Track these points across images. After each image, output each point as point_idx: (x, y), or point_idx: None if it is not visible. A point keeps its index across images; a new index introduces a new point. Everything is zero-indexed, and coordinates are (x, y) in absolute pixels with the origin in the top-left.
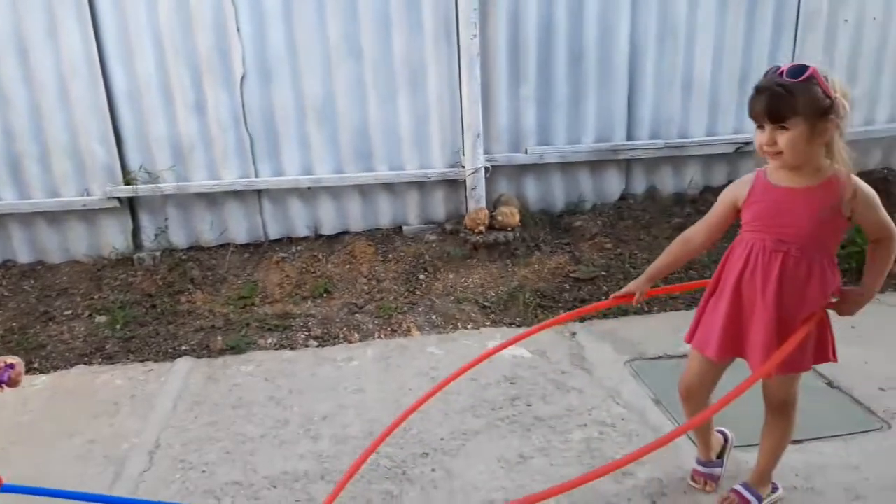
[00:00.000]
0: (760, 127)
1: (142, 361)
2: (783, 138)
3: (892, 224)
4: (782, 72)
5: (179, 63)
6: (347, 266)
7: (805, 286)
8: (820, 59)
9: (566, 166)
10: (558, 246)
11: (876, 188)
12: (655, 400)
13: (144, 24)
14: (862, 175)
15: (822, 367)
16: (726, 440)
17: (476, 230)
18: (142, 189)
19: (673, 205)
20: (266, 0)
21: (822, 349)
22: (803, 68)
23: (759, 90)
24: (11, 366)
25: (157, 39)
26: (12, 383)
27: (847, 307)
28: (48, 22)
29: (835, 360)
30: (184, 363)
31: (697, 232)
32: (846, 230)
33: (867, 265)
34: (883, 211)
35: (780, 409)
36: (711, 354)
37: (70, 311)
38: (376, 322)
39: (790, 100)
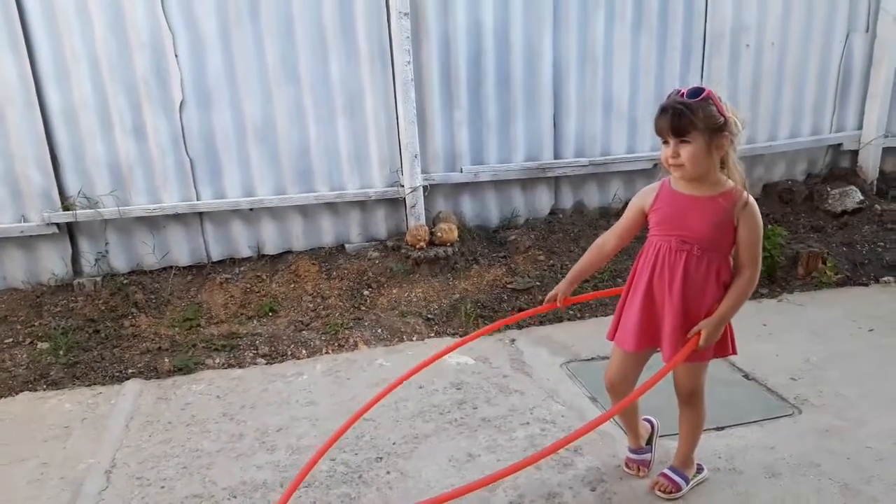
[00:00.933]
0: (665, 142)
1: (88, 386)
2: (685, 151)
3: (759, 262)
4: (683, 93)
5: (117, 87)
6: (292, 285)
7: (705, 281)
8: (725, 80)
9: (499, 184)
10: (495, 259)
11: (780, 198)
12: (591, 398)
13: (80, 49)
14: (767, 186)
15: (739, 361)
16: (653, 427)
17: (417, 246)
18: (81, 214)
19: (599, 218)
20: (203, 25)
21: (722, 343)
22: (700, 90)
23: (663, 109)
24: None
25: (93, 63)
26: None
27: (706, 336)
28: None
29: (734, 353)
30: (133, 385)
31: (610, 237)
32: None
33: (726, 295)
34: (759, 242)
35: (689, 399)
36: (630, 348)
37: (11, 339)
38: (323, 338)
39: (690, 116)
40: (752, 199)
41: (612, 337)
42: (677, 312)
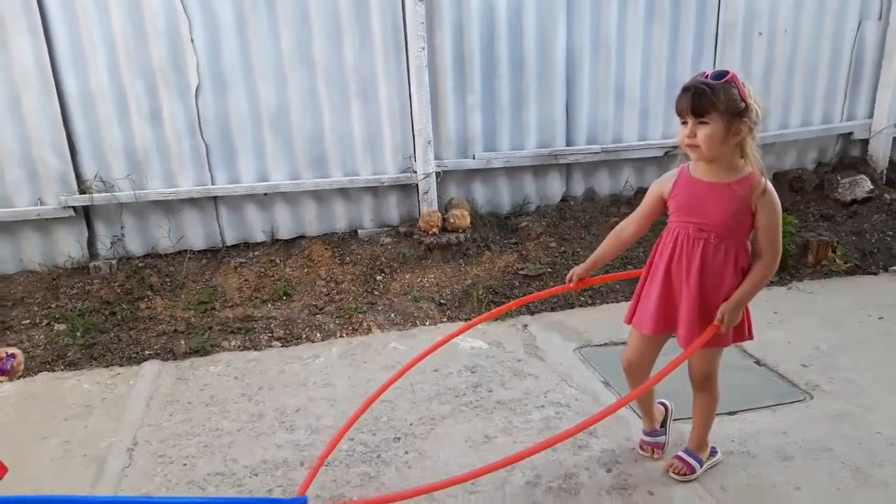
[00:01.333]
0: (684, 122)
1: (107, 367)
2: (702, 132)
3: (779, 248)
4: (707, 75)
5: (133, 72)
6: (305, 269)
7: (723, 269)
8: (738, 68)
9: (511, 171)
10: (507, 245)
11: (790, 186)
12: (605, 382)
13: (97, 34)
14: (778, 174)
15: (751, 348)
16: (667, 410)
17: (429, 232)
18: (97, 198)
19: (610, 205)
20: (219, 11)
21: (740, 329)
22: (724, 73)
23: (685, 89)
24: (13, 355)
25: (110, 49)
26: (13, 373)
27: (726, 320)
28: None
29: (751, 338)
30: (151, 366)
31: (629, 223)
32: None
33: (745, 280)
34: (779, 228)
35: (702, 384)
36: (647, 332)
37: (28, 321)
38: (337, 322)
39: (711, 97)
40: (770, 185)
41: (629, 320)
42: (694, 299)
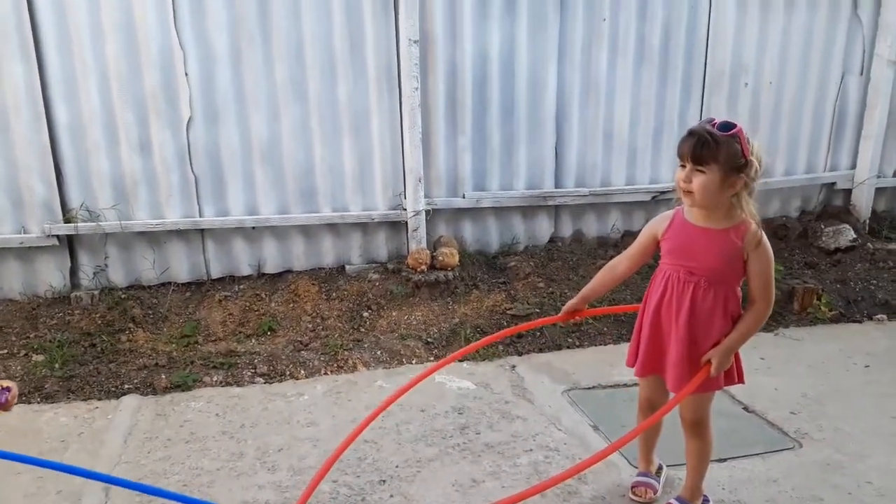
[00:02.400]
0: (683, 165)
1: (85, 400)
2: (697, 180)
3: (772, 296)
4: (714, 123)
5: (125, 102)
6: (291, 304)
7: (712, 313)
8: (723, 117)
9: (500, 210)
10: (495, 285)
11: (775, 234)
12: (593, 426)
13: (91, 63)
14: (763, 222)
15: (739, 394)
16: (661, 467)
17: (418, 269)
18: (82, 227)
19: (598, 247)
20: (214, 44)
21: (730, 372)
22: (731, 125)
23: (690, 133)
24: (8, 389)
25: (103, 78)
26: (7, 406)
27: (716, 365)
28: None
29: (741, 382)
30: (130, 400)
31: (621, 260)
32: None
33: (736, 325)
34: (772, 277)
35: (694, 429)
36: (636, 373)
37: (6, 350)
38: (322, 359)
39: (713, 148)
40: (764, 235)
41: (630, 363)
42: (683, 341)
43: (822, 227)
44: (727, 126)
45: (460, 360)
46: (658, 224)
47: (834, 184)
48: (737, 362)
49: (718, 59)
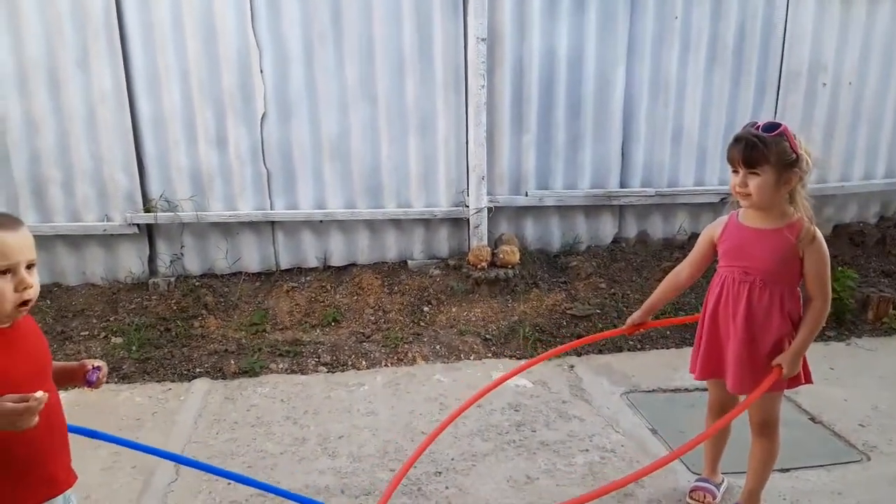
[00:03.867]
0: (735, 171)
1: (159, 381)
2: (753, 182)
3: (828, 292)
4: (759, 126)
5: (204, 99)
6: (355, 297)
7: (769, 313)
8: (800, 118)
9: (563, 209)
10: (555, 284)
11: (851, 240)
12: (652, 430)
13: (173, 62)
14: (838, 227)
15: (806, 404)
16: (723, 481)
17: (478, 266)
18: (161, 217)
19: (663, 249)
20: (288, 44)
21: (797, 374)
22: (776, 125)
23: (737, 139)
24: (98, 368)
25: (184, 76)
26: (97, 384)
27: (787, 368)
28: (80, 55)
29: (809, 381)
30: (201, 384)
31: (683, 267)
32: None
33: (800, 329)
34: (827, 274)
35: (762, 430)
36: (696, 376)
37: (86, 332)
38: (383, 351)
39: (763, 150)
40: (818, 231)
41: (692, 369)
42: (742, 342)
43: None
44: (772, 127)
45: (517, 359)
46: (714, 228)
47: None
48: (804, 362)
49: (795, 58)
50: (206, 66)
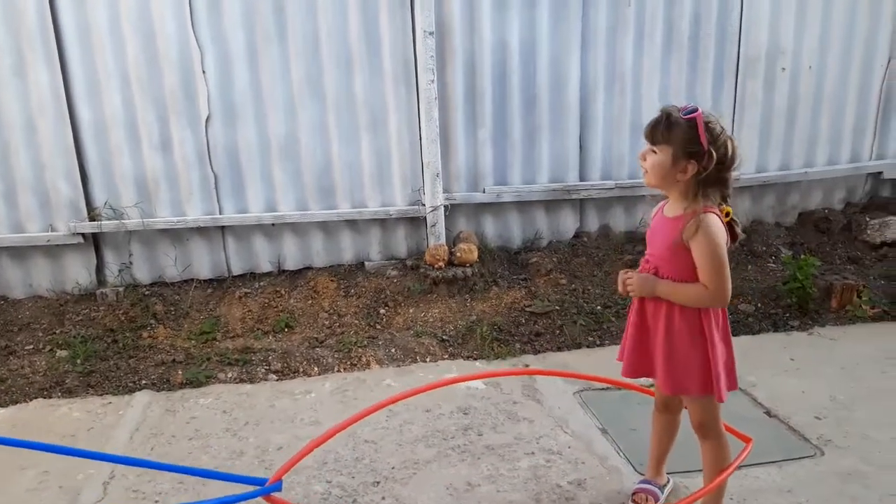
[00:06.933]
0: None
1: (100, 395)
2: (650, 159)
3: (721, 285)
4: (684, 108)
5: (146, 102)
6: (310, 301)
7: (657, 302)
8: (760, 104)
9: (522, 205)
10: (515, 281)
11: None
12: (602, 429)
13: (112, 65)
14: (803, 214)
15: (761, 397)
16: (668, 482)
17: (436, 266)
18: (106, 225)
19: (625, 242)
20: (231, 43)
21: (706, 381)
22: (692, 111)
23: (659, 112)
24: None
25: (124, 79)
26: None
27: (633, 286)
28: (17, 62)
29: (720, 399)
30: (142, 396)
31: None
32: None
33: (680, 283)
34: (716, 267)
35: (702, 432)
36: (624, 374)
37: (31, 346)
38: (336, 356)
39: (663, 129)
40: (708, 221)
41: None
42: (662, 340)
43: (868, 219)
44: (688, 111)
45: (473, 359)
46: (653, 211)
47: (880, 173)
48: (716, 372)
49: (753, 43)
50: (147, 68)
